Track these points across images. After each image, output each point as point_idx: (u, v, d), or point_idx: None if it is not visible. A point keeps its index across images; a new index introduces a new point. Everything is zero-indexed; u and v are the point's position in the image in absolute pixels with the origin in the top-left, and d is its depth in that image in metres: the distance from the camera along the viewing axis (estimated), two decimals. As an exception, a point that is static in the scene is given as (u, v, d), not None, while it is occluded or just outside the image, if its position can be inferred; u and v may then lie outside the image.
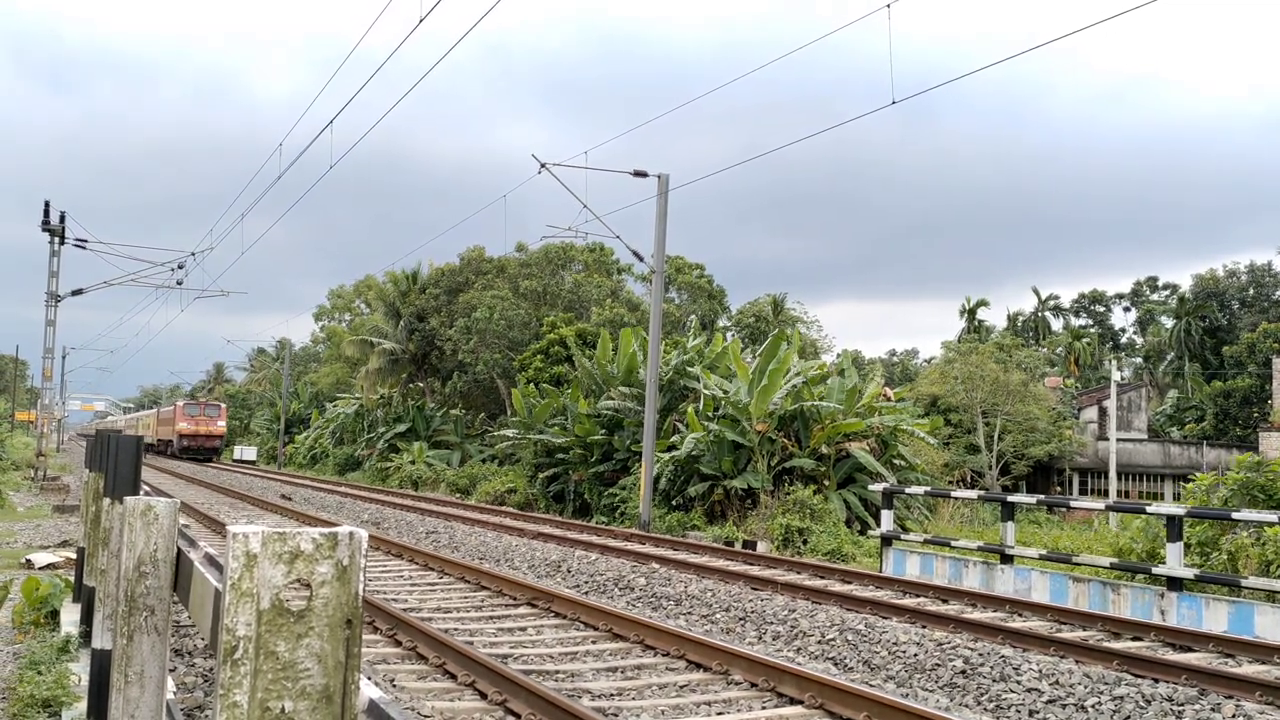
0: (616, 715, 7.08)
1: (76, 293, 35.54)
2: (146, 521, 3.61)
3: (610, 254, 48.56)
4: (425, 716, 6.85)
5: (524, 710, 6.82)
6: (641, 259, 24.78)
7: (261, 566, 1.83)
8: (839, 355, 39.48)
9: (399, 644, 9.06)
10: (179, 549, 3.64)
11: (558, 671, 8.30)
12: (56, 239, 33.34)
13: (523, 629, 10.21)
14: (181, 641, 8.83)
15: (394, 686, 7.56)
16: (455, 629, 9.96)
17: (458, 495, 35.49)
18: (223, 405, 65.43)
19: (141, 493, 4.93)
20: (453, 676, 7.88)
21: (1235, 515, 12.97)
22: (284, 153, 25.77)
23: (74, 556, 11.94)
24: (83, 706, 5.63)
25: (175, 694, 6.91)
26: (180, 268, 36.04)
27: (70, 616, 8.50)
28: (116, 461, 5.36)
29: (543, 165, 22.26)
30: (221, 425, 62.91)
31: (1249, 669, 8.97)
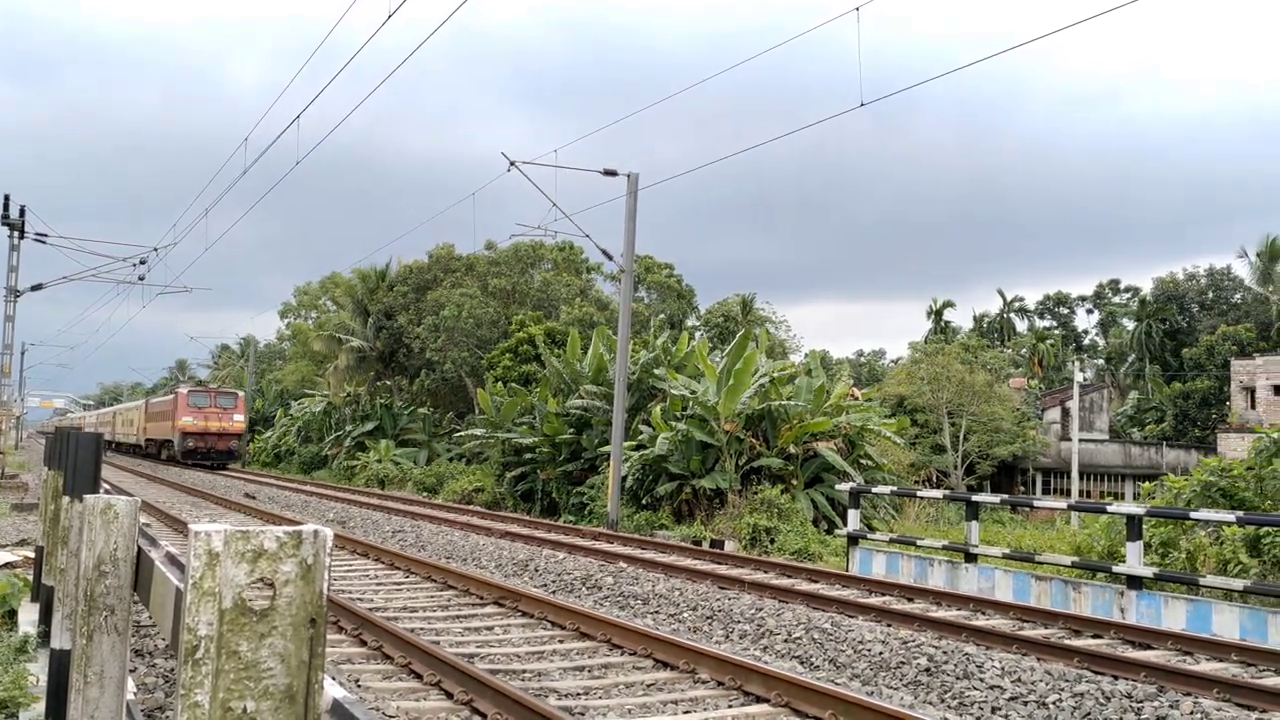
0: (583, 714, 7.08)
1: (36, 288, 35.01)
2: (106, 520, 3.57)
3: (580, 253, 48.52)
4: (390, 716, 6.81)
5: (490, 710, 6.80)
6: (611, 258, 24.76)
7: (224, 565, 1.81)
8: (806, 355, 39.69)
9: (364, 644, 9.00)
10: (139, 548, 3.60)
11: (524, 671, 8.29)
12: (16, 233, 32.81)
13: (489, 628, 10.18)
14: (142, 642, 8.72)
15: (359, 686, 7.51)
16: (421, 628, 9.91)
17: (425, 494, 35.30)
18: (240, 394, 50.41)
19: (101, 491, 4.87)
20: (418, 676, 7.84)
21: (1194, 515, 13.18)
22: (250, 147, 25.49)
23: (32, 555, 11.75)
24: (41, 707, 5.54)
25: (135, 694, 6.83)
26: (143, 263, 35.60)
27: (28, 616, 8.37)
28: (76, 459, 5.29)
29: (512, 163, 22.18)
30: (240, 420, 48.36)
31: (1206, 666, 9.12)
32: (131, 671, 7.22)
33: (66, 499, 5.52)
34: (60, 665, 4.49)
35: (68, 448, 5.53)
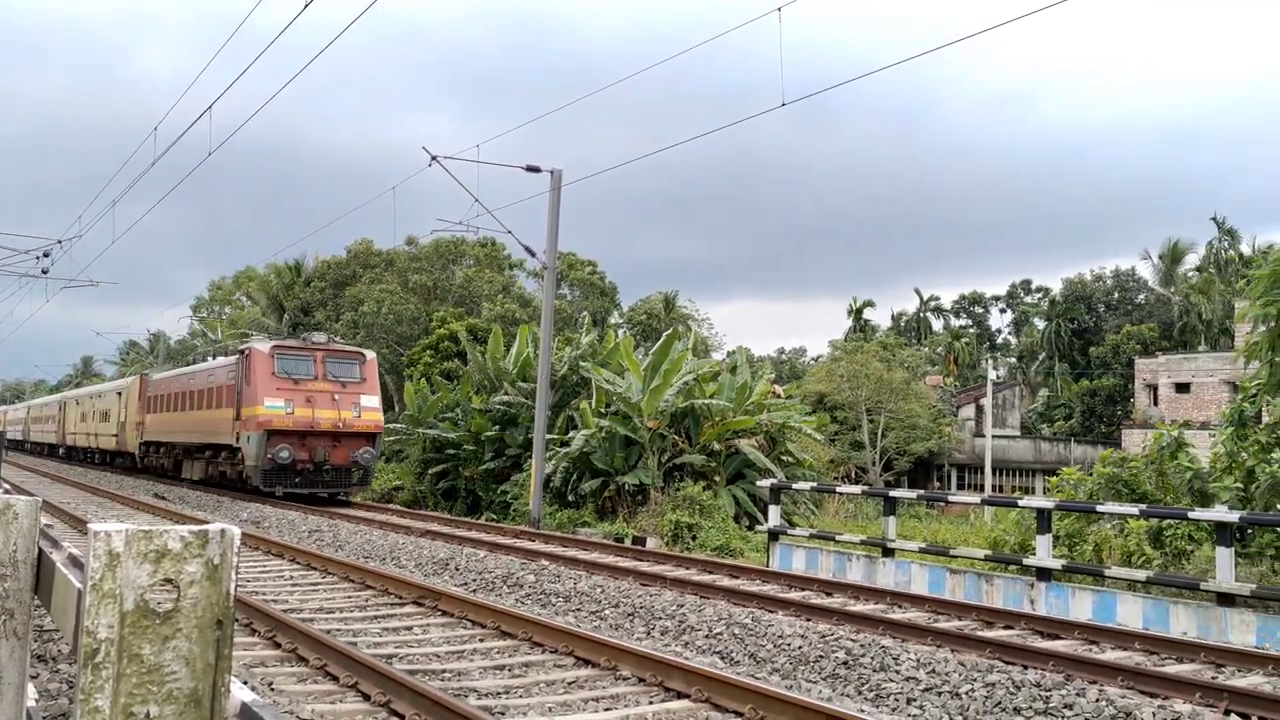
0: (503, 713, 7.03)
1: (-68, 280, 33.50)
2: (5, 521, 3.43)
3: (502, 249, 48.26)
4: None
5: (408, 711, 6.71)
6: (533, 254, 24.64)
7: (125, 566, 1.75)
8: (729, 354, 40.07)
9: (278, 646, 8.81)
10: (40, 550, 3.47)
11: (444, 671, 8.20)
12: (-90, 223, 31.36)
13: (408, 628, 10.05)
14: (45, 647, 8.42)
15: (272, 690, 7.35)
16: (338, 629, 9.74)
17: (343, 493, 34.68)
18: (368, 354, 27.47)
19: (1, 491, 4.69)
20: (335, 678, 7.70)
21: (1100, 508, 13.60)
22: (160, 137, 24.74)
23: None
24: (-67, 718, 5.31)
25: (37, 701, 6.59)
26: (46, 255, 34.32)
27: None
28: (-28, 458, 5.08)
29: (434, 158, 21.92)
30: (373, 406, 26.11)
31: (1111, 655, 9.42)
32: (34, 678, 6.97)
33: (-38, 500, 5.29)
34: (-46, 673, 4.30)
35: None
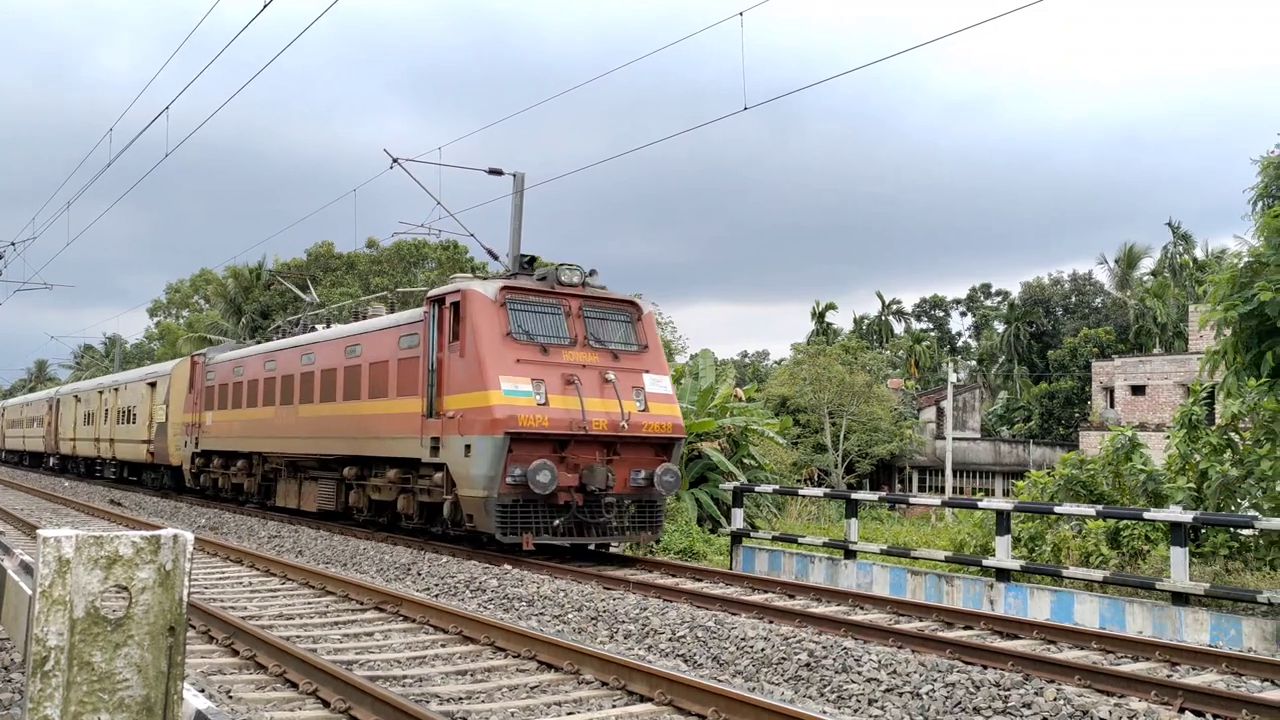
0: (465, 718, 6.99)
1: (-121, 283, 32.77)
2: (-48, 528, 3.36)
3: (465, 252, 48.03)
4: (264, 727, 6.59)
5: (369, 717, 6.65)
6: (496, 257, 24.53)
7: (75, 572, 1.71)
8: (692, 357, 40.16)
9: (236, 653, 8.70)
10: (-11, 557, 3.40)
11: (405, 676, 8.14)
12: None
13: (369, 634, 9.96)
14: (-5, 657, 8.25)
15: (230, 697, 7.26)
16: (298, 636, 9.64)
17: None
18: (644, 307, 16.25)
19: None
20: (294, 685, 7.62)
21: (1058, 510, 13.79)
22: (115, 138, 24.35)
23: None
24: (-121, 730, 5.18)
25: (-13, 713, 6.45)
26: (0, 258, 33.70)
27: None
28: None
29: (395, 160, 21.77)
30: (666, 392, 15.49)
31: (1069, 654, 9.54)
32: (-18, 689, 6.82)
33: (-91, 506, 5.18)
34: (-100, 684, 4.20)
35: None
